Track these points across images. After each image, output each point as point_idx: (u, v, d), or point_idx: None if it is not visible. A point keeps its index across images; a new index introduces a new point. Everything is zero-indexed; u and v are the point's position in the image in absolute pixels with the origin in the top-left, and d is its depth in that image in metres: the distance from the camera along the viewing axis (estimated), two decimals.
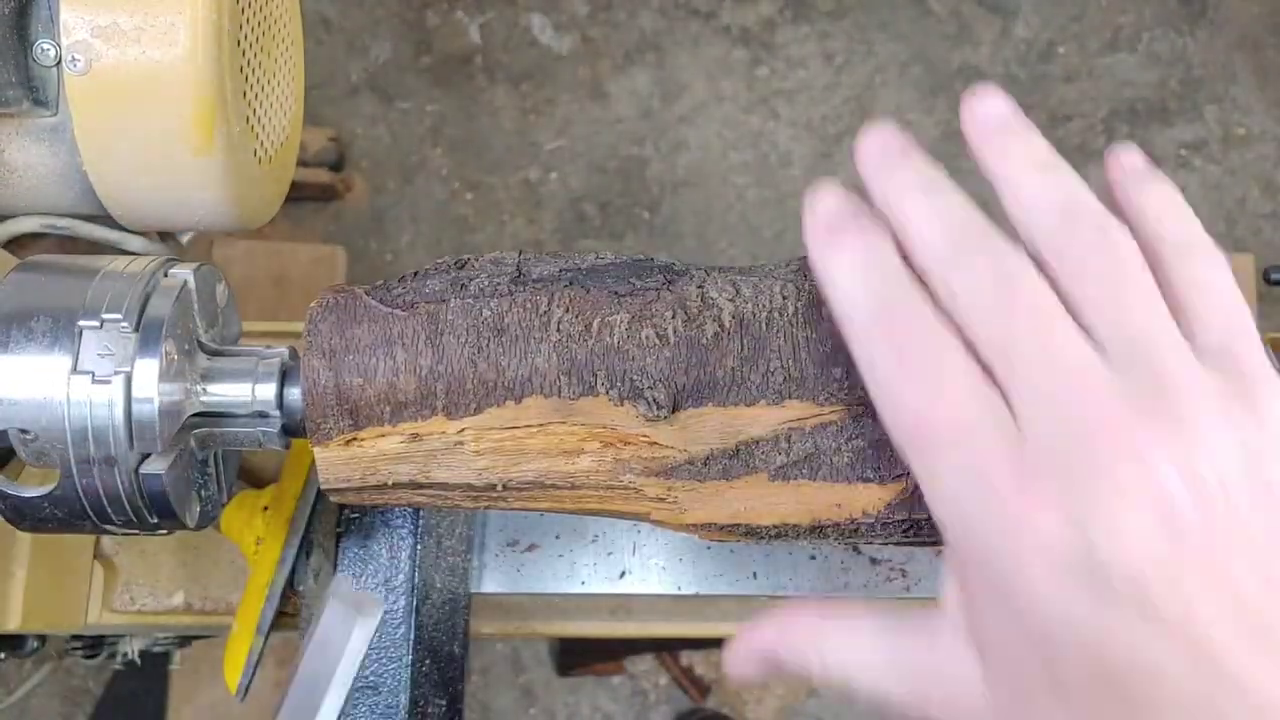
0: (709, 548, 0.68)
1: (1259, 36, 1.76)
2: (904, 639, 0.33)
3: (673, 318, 0.41)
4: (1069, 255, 0.32)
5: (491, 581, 0.67)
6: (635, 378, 0.40)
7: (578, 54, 1.73)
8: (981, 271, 0.31)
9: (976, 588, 0.31)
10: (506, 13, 1.74)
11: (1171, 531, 0.27)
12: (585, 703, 1.50)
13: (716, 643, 1.45)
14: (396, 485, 0.43)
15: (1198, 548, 0.27)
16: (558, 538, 0.68)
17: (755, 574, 0.67)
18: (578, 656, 1.48)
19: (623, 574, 0.67)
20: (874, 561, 0.68)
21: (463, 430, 0.41)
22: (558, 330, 0.40)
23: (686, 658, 1.48)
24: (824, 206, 0.35)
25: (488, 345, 0.40)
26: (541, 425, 0.41)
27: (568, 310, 0.41)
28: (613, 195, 1.67)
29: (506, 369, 0.40)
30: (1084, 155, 1.70)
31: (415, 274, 0.43)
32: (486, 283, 0.42)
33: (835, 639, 0.35)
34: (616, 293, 0.42)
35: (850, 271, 0.33)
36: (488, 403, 0.41)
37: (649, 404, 0.40)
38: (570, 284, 0.42)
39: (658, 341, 0.40)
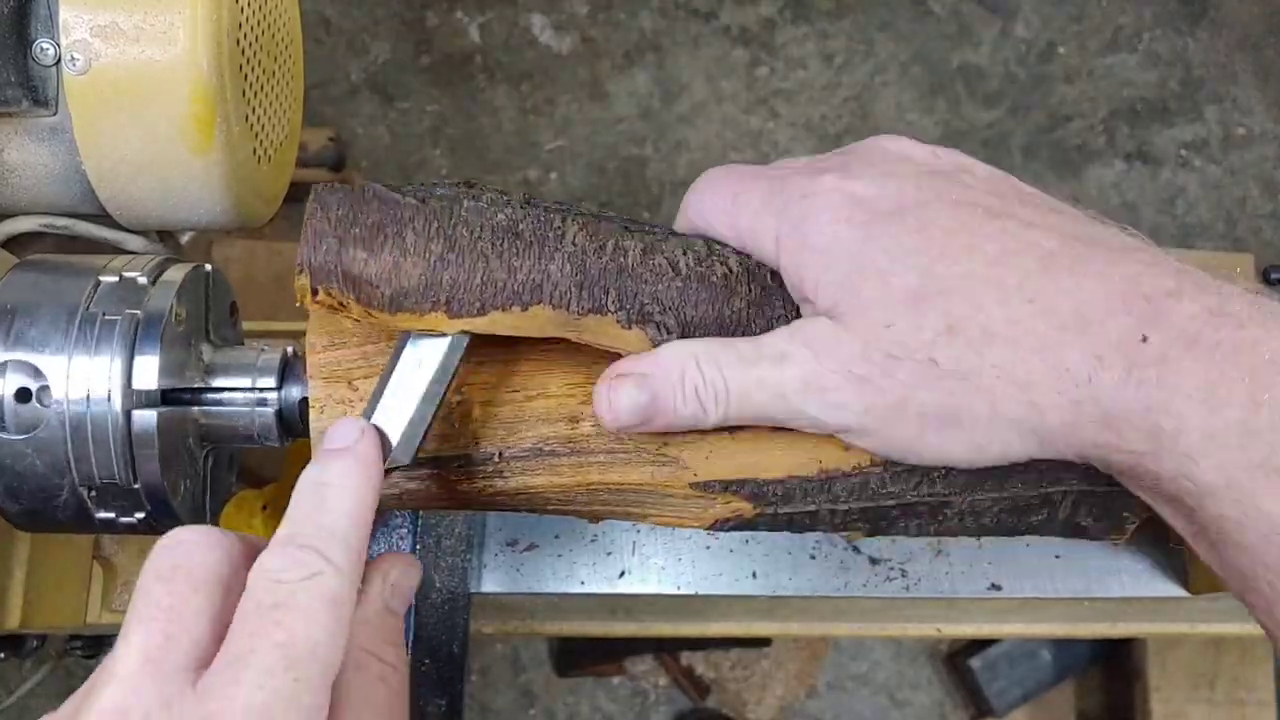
0: (708, 548, 0.68)
1: (1259, 36, 1.76)
2: (766, 339, 0.40)
3: (684, 254, 0.41)
4: None
5: (491, 581, 0.67)
6: (646, 302, 0.40)
7: (578, 54, 1.73)
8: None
9: (794, 256, 0.40)
10: (506, 13, 1.74)
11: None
12: (585, 703, 1.50)
13: (716, 643, 1.45)
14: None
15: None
16: (557, 537, 0.68)
17: (755, 574, 0.67)
18: (577, 657, 1.48)
19: (622, 574, 0.67)
20: (874, 561, 0.68)
21: (461, 332, 0.41)
22: (573, 244, 0.40)
23: (686, 658, 1.48)
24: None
25: (501, 244, 0.40)
26: (539, 345, 0.42)
27: (581, 229, 0.41)
28: (613, 195, 1.67)
29: (519, 270, 0.40)
30: (1084, 155, 1.70)
31: (422, 184, 0.42)
32: (498, 197, 0.42)
33: (708, 349, 0.40)
34: (627, 227, 0.42)
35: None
36: (493, 304, 0.40)
37: (658, 329, 0.40)
38: (580, 214, 0.42)
39: (670, 271, 0.41)
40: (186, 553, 0.34)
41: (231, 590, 0.34)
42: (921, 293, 0.37)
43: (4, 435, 0.42)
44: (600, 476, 0.43)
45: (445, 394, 0.41)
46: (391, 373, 0.40)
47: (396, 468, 0.40)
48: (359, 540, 0.36)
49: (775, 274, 0.42)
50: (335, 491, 0.36)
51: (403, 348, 0.40)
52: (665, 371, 0.40)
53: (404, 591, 0.39)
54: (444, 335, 0.40)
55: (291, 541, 0.35)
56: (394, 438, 0.40)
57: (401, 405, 0.40)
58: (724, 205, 0.43)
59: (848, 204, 0.40)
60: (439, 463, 0.43)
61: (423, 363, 0.40)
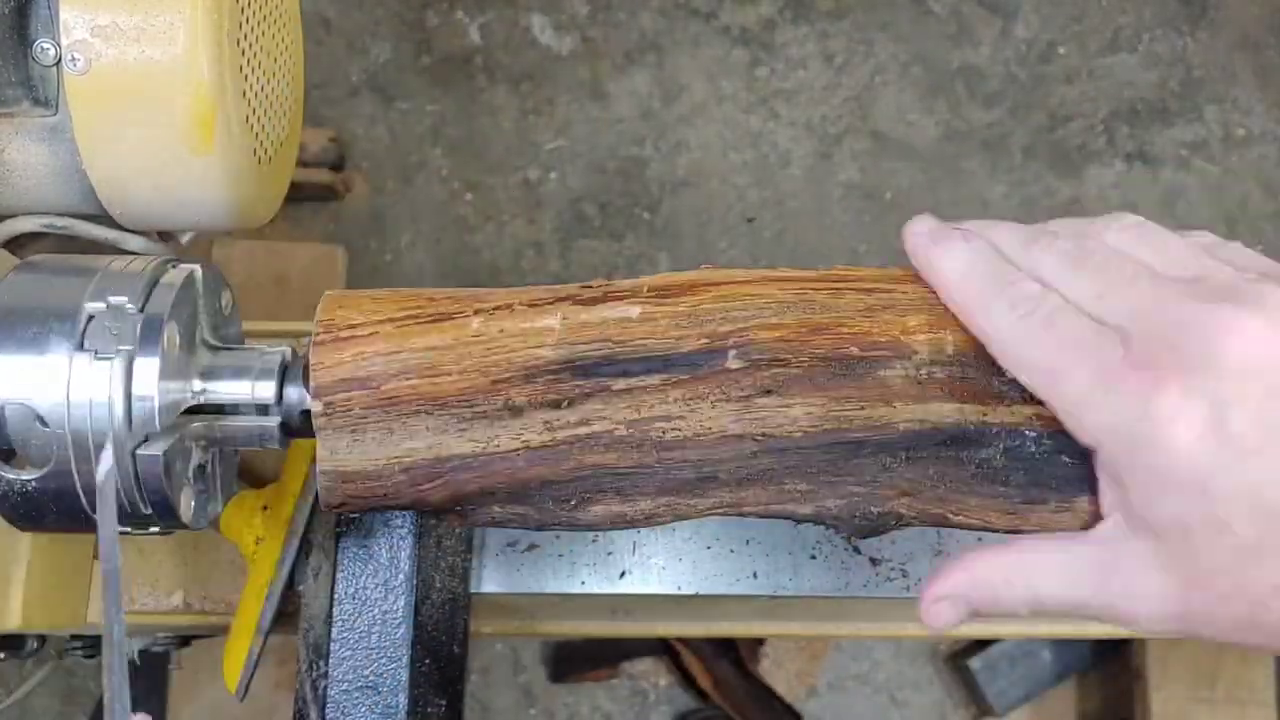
0: (709, 548, 0.68)
1: (1259, 37, 1.76)
2: (1078, 551, 0.39)
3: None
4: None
5: (491, 581, 0.67)
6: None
7: (578, 54, 1.73)
8: (1058, 247, 0.41)
9: (1130, 476, 0.37)
10: (506, 13, 1.74)
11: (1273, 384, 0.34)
12: (585, 703, 1.50)
13: (713, 643, 1.45)
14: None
15: None
16: (557, 538, 0.68)
17: (755, 574, 0.67)
18: (571, 664, 1.48)
19: (622, 574, 0.67)
20: (874, 561, 0.68)
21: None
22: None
23: (687, 659, 1.48)
24: (923, 226, 0.44)
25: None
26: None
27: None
28: (613, 195, 1.67)
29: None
30: (1084, 155, 1.70)
31: None
32: None
33: (1021, 572, 0.40)
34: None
35: (961, 258, 0.42)
36: None
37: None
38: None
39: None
40: None
41: None
42: None
43: (4, 432, 0.42)
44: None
45: None
46: None
47: None
48: None
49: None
50: None
51: None
52: (980, 594, 0.41)
53: None
54: None
55: None
56: None
57: None
58: (1035, 377, 0.39)
59: None
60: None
61: None
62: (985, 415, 0.41)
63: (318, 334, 0.43)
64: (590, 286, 0.44)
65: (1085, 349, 0.37)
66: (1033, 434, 0.41)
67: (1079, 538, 0.40)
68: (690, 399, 0.42)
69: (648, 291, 0.43)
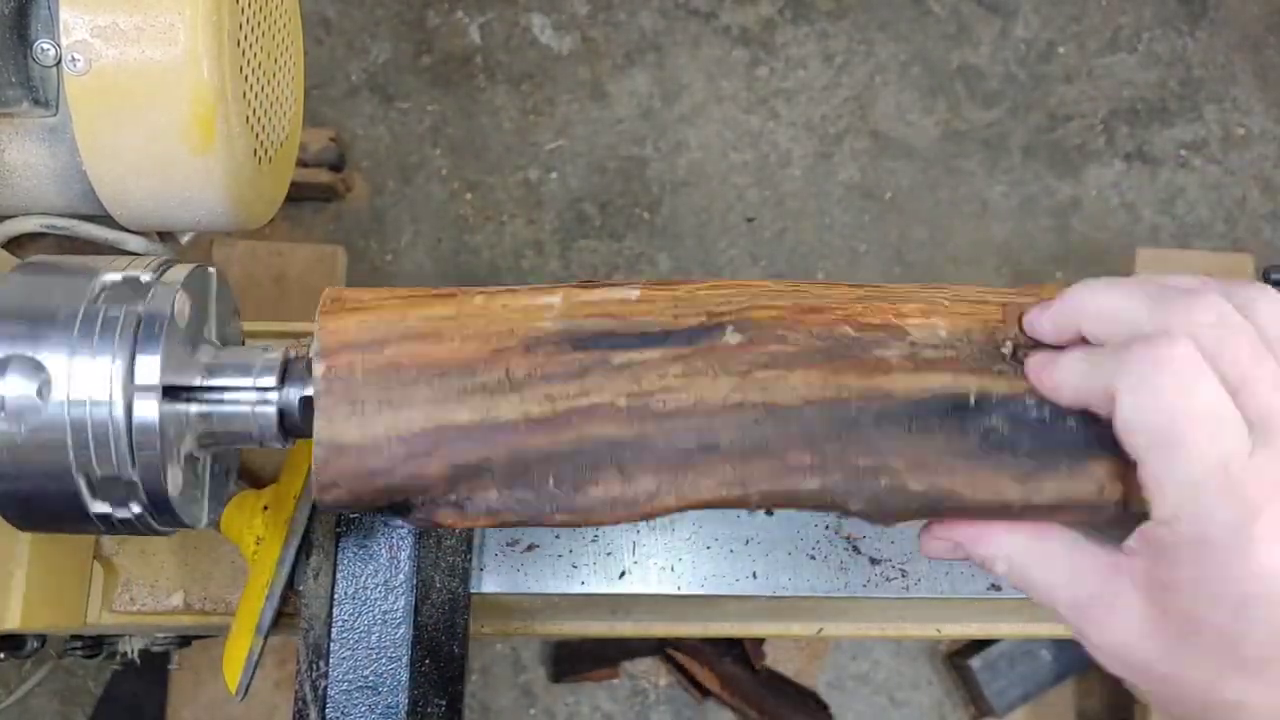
0: (708, 548, 0.68)
1: (1259, 36, 1.76)
2: (1084, 562, 0.40)
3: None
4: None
5: (491, 581, 0.67)
6: None
7: (578, 54, 1.73)
8: (1213, 315, 0.37)
9: (1182, 558, 0.36)
10: (506, 13, 1.74)
11: None
12: (585, 703, 1.50)
13: (715, 643, 1.45)
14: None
15: None
16: (558, 538, 0.68)
17: (755, 574, 0.67)
18: (571, 663, 1.48)
19: (623, 574, 0.67)
20: (874, 561, 0.68)
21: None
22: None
23: (688, 664, 1.48)
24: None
25: None
26: None
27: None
28: (613, 195, 1.67)
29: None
30: (1084, 155, 1.71)
31: None
32: None
33: (1025, 549, 0.42)
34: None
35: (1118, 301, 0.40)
36: None
37: None
38: None
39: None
40: None
41: None
42: None
43: (5, 431, 0.42)
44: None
45: None
46: None
47: None
48: None
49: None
50: None
51: None
52: (979, 553, 0.43)
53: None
54: None
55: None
56: None
57: None
58: (1158, 429, 0.36)
59: None
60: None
61: None
62: (985, 386, 0.42)
63: (324, 305, 0.44)
64: (591, 280, 0.45)
65: (1209, 428, 0.35)
66: (1033, 402, 0.41)
67: (1092, 550, 0.41)
68: (689, 373, 0.42)
69: (646, 282, 0.45)
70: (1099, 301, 0.40)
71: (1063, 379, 0.40)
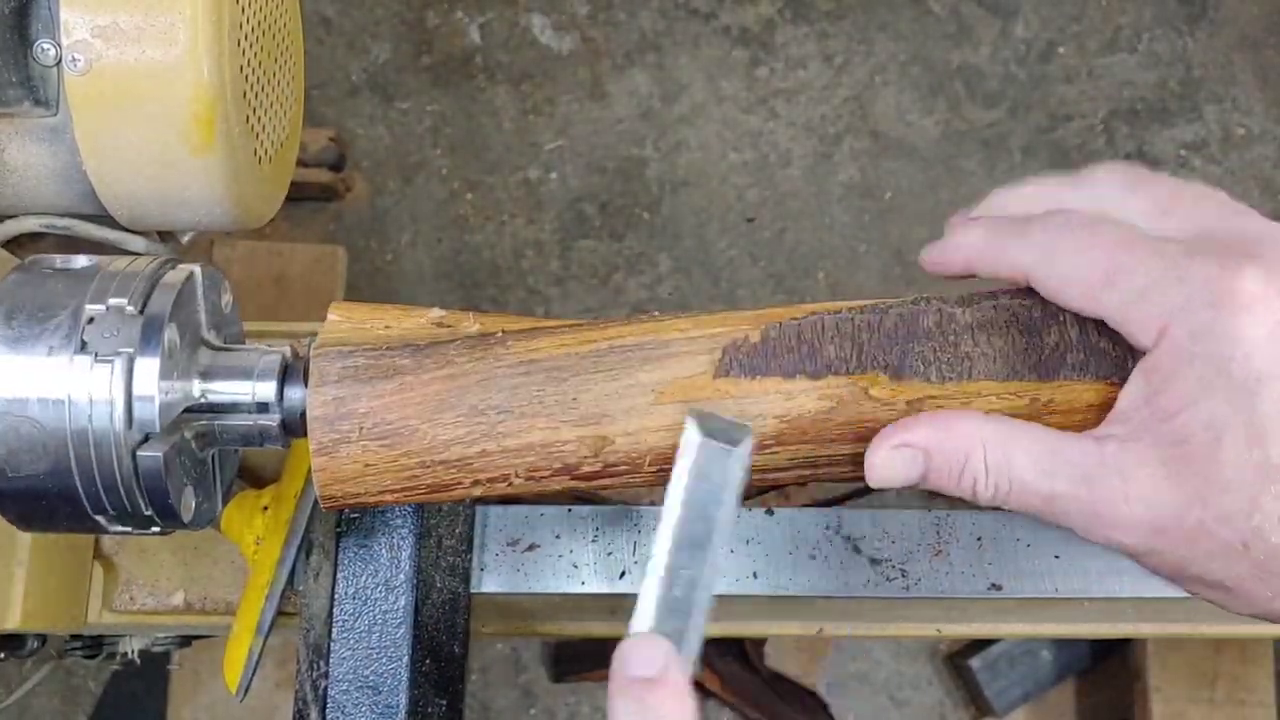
0: None
1: (1259, 36, 1.76)
2: (1070, 444, 0.36)
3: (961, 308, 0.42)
4: None
5: (491, 581, 0.67)
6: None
7: (578, 54, 1.73)
8: (1113, 167, 0.40)
9: (1183, 368, 0.34)
10: (506, 13, 1.74)
11: None
12: (585, 703, 1.50)
13: (715, 643, 1.45)
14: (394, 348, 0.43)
15: None
16: (558, 537, 0.68)
17: (755, 574, 0.67)
18: (572, 664, 1.48)
19: (623, 574, 0.67)
20: (874, 561, 0.68)
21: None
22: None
23: None
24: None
25: None
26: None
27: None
28: (613, 195, 1.67)
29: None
30: (1084, 155, 1.70)
31: None
32: None
33: (1001, 444, 0.37)
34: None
35: (975, 229, 0.40)
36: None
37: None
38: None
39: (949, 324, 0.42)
40: None
41: None
42: None
43: (5, 432, 0.42)
44: (601, 332, 0.43)
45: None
46: (675, 511, 0.38)
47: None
48: None
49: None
50: None
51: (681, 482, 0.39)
52: (948, 452, 0.37)
53: None
54: (731, 448, 0.38)
55: None
56: (680, 636, 0.37)
57: (684, 582, 0.38)
58: (1090, 276, 0.36)
59: None
60: (439, 345, 0.43)
61: (706, 507, 0.38)
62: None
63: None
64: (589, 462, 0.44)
65: (1144, 243, 0.35)
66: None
67: (1075, 435, 0.37)
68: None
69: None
70: (965, 248, 0.40)
71: (963, 250, 0.40)
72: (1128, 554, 0.36)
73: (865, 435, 0.42)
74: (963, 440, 0.37)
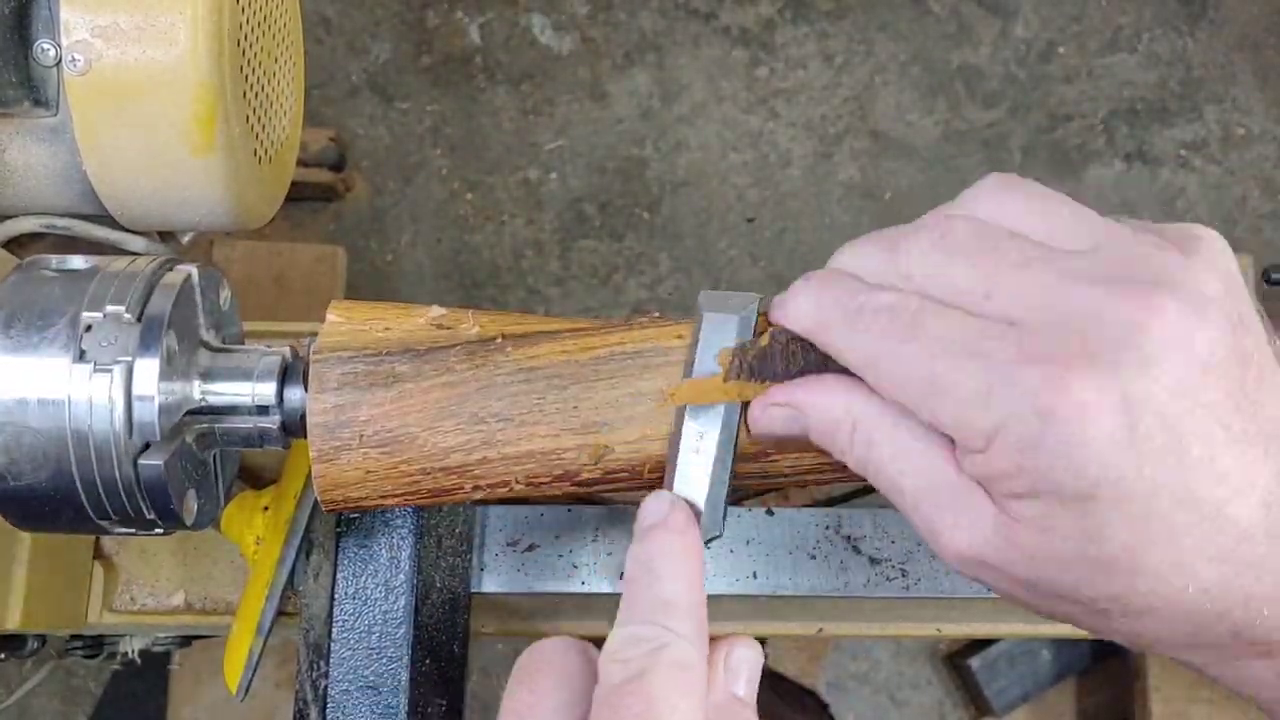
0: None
1: (1259, 36, 1.76)
2: (931, 452, 0.35)
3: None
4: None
5: (491, 581, 0.67)
6: None
7: (578, 54, 1.73)
8: (923, 238, 0.36)
9: (1018, 471, 0.33)
10: (506, 13, 1.74)
11: (1196, 378, 0.31)
12: None
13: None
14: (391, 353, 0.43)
15: (1221, 379, 0.32)
16: (558, 537, 0.68)
17: (755, 574, 0.67)
18: None
19: (623, 574, 0.67)
20: (874, 561, 0.68)
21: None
22: None
23: None
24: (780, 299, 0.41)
25: None
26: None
27: None
28: (613, 195, 1.67)
29: None
30: (1083, 155, 1.70)
31: None
32: None
33: (870, 419, 0.36)
34: None
35: (806, 300, 0.39)
36: None
37: None
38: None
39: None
40: (544, 657, 0.35)
41: (589, 686, 0.34)
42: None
43: (5, 432, 0.42)
44: (602, 338, 0.43)
45: (733, 462, 0.41)
46: (678, 447, 0.40)
47: (711, 539, 0.40)
48: (697, 608, 0.35)
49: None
50: (661, 563, 0.36)
51: (682, 421, 0.41)
52: (822, 417, 0.37)
53: (748, 674, 0.38)
54: (720, 405, 0.40)
55: (630, 620, 0.35)
56: (700, 506, 0.40)
57: (697, 475, 0.40)
58: (914, 387, 0.35)
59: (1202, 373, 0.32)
60: (438, 351, 0.43)
61: (704, 434, 0.40)
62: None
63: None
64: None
65: (967, 348, 0.33)
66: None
67: (942, 444, 0.36)
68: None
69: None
70: (799, 322, 0.39)
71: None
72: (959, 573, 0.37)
73: None
74: (835, 411, 0.37)
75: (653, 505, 0.38)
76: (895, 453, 0.36)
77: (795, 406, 0.38)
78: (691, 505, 0.39)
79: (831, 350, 0.38)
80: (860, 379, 0.37)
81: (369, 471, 0.43)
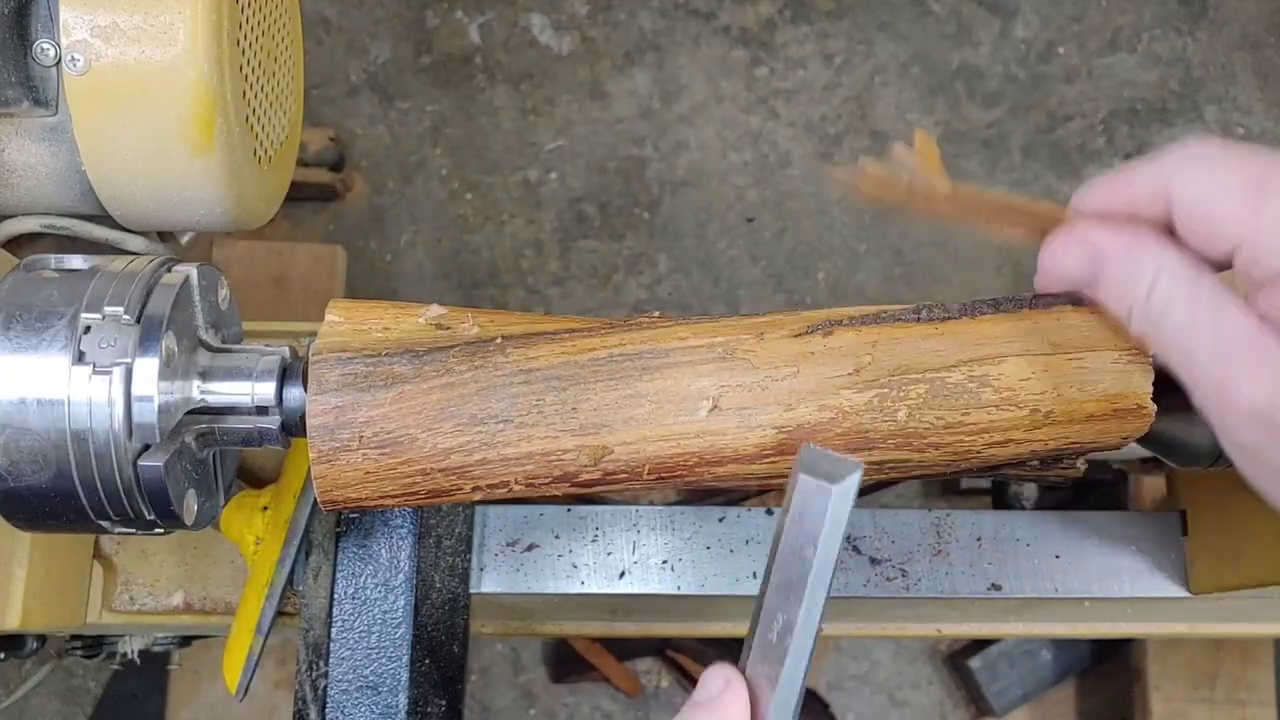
0: (708, 548, 0.68)
1: (1259, 36, 1.76)
2: (1229, 311, 0.35)
3: None
4: None
5: (491, 581, 0.67)
6: None
7: (578, 54, 1.73)
8: None
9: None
10: (506, 13, 1.73)
11: None
12: (585, 703, 1.50)
13: (715, 643, 1.45)
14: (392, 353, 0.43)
15: None
16: (557, 538, 0.68)
17: (755, 574, 0.67)
18: (572, 664, 1.48)
19: (622, 574, 0.67)
20: (874, 561, 0.68)
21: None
22: None
23: (688, 666, 1.48)
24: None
25: None
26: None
27: None
28: (613, 195, 1.67)
29: None
30: (1083, 155, 1.70)
31: None
32: None
33: (1177, 273, 0.36)
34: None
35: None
36: None
37: None
38: None
39: None
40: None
41: None
42: None
43: (5, 433, 0.42)
44: (601, 339, 0.43)
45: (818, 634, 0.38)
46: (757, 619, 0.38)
47: None
48: None
49: None
50: None
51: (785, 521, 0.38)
52: (1124, 264, 0.37)
53: None
54: (830, 485, 0.36)
55: None
56: (772, 683, 0.37)
57: (783, 644, 0.37)
58: (1245, 196, 0.35)
59: None
60: (438, 352, 0.43)
61: (806, 557, 0.37)
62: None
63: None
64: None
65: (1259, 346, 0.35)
66: None
67: (1240, 306, 0.36)
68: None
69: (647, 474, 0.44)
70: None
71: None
72: (1234, 444, 0.36)
73: (865, 445, 0.42)
74: (1143, 260, 0.37)
75: (707, 682, 0.37)
76: (1194, 309, 0.36)
77: (1099, 247, 0.37)
78: (754, 684, 0.37)
79: (1140, 189, 0.37)
80: (1169, 237, 0.36)
81: (368, 472, 0.43)
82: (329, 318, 0.44)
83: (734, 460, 0.42)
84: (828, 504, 0.36)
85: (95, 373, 0.42)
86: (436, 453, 0.42)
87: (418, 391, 0.42)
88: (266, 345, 0.48)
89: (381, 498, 0.44)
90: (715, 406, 0.42)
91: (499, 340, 0.43)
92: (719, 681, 0.37)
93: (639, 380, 0.42)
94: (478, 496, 0.44)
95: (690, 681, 1.47)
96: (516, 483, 0.43)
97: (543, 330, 0.44)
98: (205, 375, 0.46)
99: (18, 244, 0.60)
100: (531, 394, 0.42)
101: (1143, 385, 0.42)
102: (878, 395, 0.42)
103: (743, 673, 0.37)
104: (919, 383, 0.42)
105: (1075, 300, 0.42)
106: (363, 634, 0.57)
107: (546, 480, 0.43)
